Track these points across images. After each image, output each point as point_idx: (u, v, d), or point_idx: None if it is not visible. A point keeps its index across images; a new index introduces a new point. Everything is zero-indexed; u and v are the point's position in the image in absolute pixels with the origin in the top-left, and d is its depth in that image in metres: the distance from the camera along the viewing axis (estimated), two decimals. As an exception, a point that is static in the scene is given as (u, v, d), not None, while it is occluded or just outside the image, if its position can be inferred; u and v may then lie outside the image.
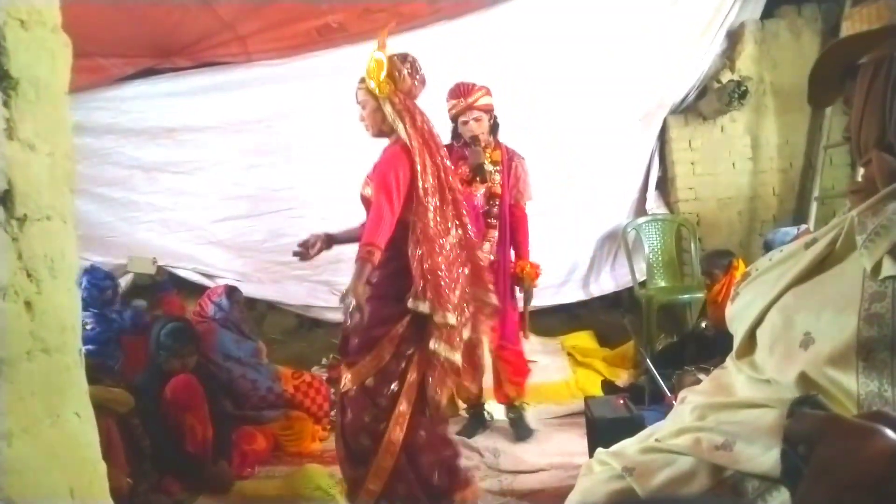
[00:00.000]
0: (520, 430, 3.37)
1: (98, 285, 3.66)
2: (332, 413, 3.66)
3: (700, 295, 4.01)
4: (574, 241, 4.68)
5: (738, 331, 1.06)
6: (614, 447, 1.13)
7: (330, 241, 2.67)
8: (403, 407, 2.36)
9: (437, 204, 2.38)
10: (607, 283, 4.77)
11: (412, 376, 2.37)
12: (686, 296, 4.33)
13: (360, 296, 2.24)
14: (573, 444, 3.09)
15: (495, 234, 3.31)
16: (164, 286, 4.23)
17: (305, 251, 2.61)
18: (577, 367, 4.13)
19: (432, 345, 2.31)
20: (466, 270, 2.48)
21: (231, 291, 3.78)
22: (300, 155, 4.50)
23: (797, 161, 4.67)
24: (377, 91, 2.34)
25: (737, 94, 4.27)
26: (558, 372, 4.08)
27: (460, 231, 2.47)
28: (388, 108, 2.35)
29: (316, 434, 3.50)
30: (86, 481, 1.11)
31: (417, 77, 2.39)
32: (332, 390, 3.81)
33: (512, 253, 3.43)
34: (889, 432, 0.51)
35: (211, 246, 4.67)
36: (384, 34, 2.37)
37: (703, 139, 4.67)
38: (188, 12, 3.59)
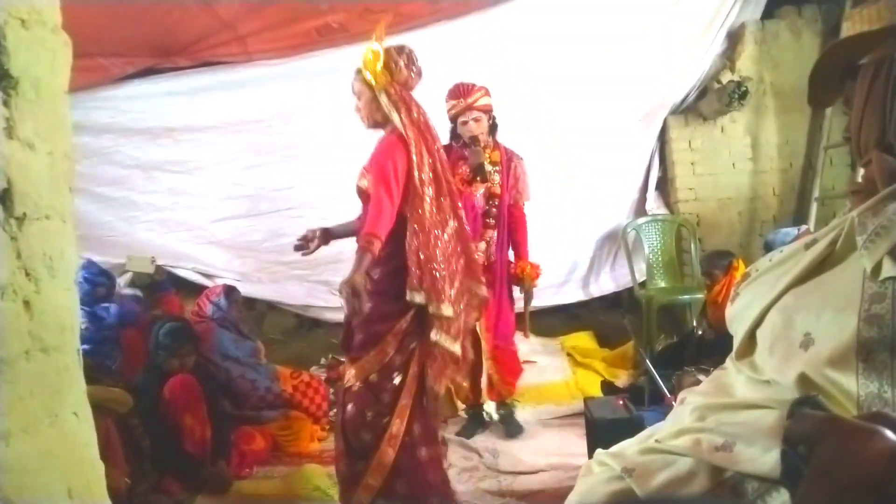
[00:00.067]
0: (510, 426, 3.39)
1: (92, 281, 3.63)
2: (332, 413, 3.67)
3: (700, 295, 4.01)
4: (574, 242, 4.68)
5: (737, 331, 1.06)
6: (614, 448, 1.13)
7: (327, 235, 2.67)
8: (406, 401, 2.37)
9: (434, 195, 2.37)
10: (607, 283, 4.77)
11: (414, 369, 2.38)
12: (686, 296, 4.33)
13: (358, 285, 2.21)
14: (572, 445, 3.09)
15: (493, 234, 3.32)
16: (163, 286, 4.23)
17: (306, 244, 2.63)
18: (576, 368, 4.13)
19: (433, 336, 2.33)
20: (462, 262, 2.49)
21: (229, 291, 3.78)
22: (300, 155, 4.50)
23: (797, 161, 4.67)
24: (373, 82, 2.33)
25: (737, 94, 4.27)
26: (558, 372, 4.08)
27: (455, 223, 2.47)
28: (383, 99, 2.34)
29: (315, 434, 3.50)
30: (84, 481, 1.11)
31: (414, 69, 2.39)
32: (331, 390, 3.82)
33: (511, 254, 3.44)
34: (889, 433, 0.51)
35: (210, 246, 4.67)
36: (382, 25, 2.37)
37: (704, 139, 4.67)
38: (188, 12, 3.59)
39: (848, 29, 4.11)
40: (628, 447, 1.11)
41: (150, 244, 4.52)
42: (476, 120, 3.16)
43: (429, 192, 2.35)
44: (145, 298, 4.12)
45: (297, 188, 4.55)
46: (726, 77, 4.51)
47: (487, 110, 3.21)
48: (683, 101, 4.71)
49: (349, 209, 2.62)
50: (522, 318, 3.55)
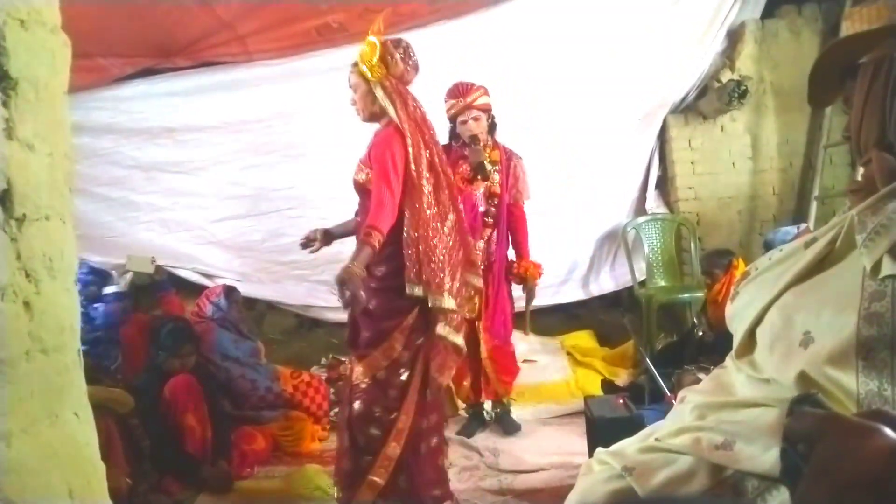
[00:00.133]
0: (506, 424, 3.41)
1: (84, 280, 3.63)
2: (332, 413, 3.67)
3: (700, 294, 4.01)
4: (574, 241, 4.68)
5: (737, 330, 1.06)
6: (614, 447, 1.13)
7: (328, 236, 2.69)
8: (413, 396, 2.38)
9: (432, 189, 2.37)
10: (607, 282, 4.77)
11: (420, 364, 2.39)
12: (686, 295, 4.33)
13: (352, 275, 2.18)
14: (573, 444, 3.09)
15: (492, 232, 3.32)
16: (163, 286, 4.23)
17: (311, 242, 2.67)
18: (576, 367, 4.13)
19: (440, 330, 2.34)
20: (461, 254, 2.50)
21: (229, 291, 3.78)
22: (300, 154, 4.49)
23: (797, 160, 4.67)
24: (369, 74, 2.33)
25: (737, 93, 4.27)
26: (558, 371, 4.08)
27: (454, 215, 2.47)
28: (378, 91, 2.34)
29: (315, 434, 3.49)
30: (85, 481, 1.11)
31: (410, 62, 2.39)
32: (332, 390, 3.82)
33: (512, 253, 3.44)
34: (888, 431, 0.51)
35: (210, 246, 4.67)
36: (380, 19, 2.36)
37: (703, 139, 4.67)
38: (188, 12, 3.59)
39: (847, 28, 4.11)
40: (628, 446, 1.11)
41: (150, 244, 4.51)
42: (475, 119, 3.16)
43: (427, 184, 2.35)
44: (129, 294, 4.07)
45: (297, 188, 4.55)
46: (726, 76, 4.51)
47: (486, 109, 3.21)
48: (683, 100, 4.71)
49: (349, 208, 2.63)
50: (523, 316, 3.56)
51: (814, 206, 4.41)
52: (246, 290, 4.36)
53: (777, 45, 4.57)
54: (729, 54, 4.60)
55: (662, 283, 4.51)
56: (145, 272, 4.17)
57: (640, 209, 4.78)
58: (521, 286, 3.45)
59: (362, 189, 2.42)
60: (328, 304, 4.53)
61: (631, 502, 0.98)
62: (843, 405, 0.85)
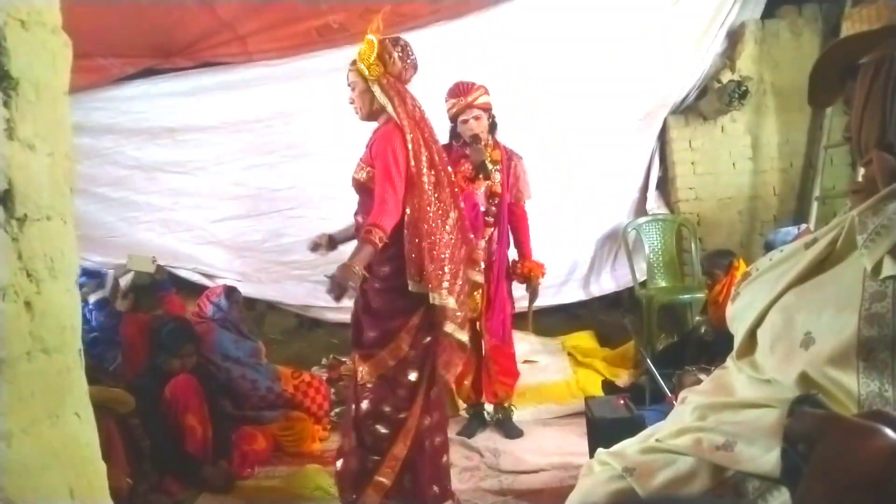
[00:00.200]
0: (508, 430, 3.41)
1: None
2: (333, 413, 3.67)
3: (700, 295, 4.01)
4: (574, 241, 4.68)
5: (738, 331, 1.06)
6: (615, 447, 1.13)
7: (332, 241, 2.70)
8: (422, 395, 2.39)
9: (433, 186, 2.36)
10: (608, 283, 4.77)
11: (428, 363, 2.40)
12: (686, 296, 4.33)
13: (349, 272, 2.17)
14: (573, 445, 3.09)
15: (493, 232, 3.32)
16: (163, 285, 4.23)
17: (318, 247, 2.69)
18: (577, 367, 4.13)
19: (447, 327, 2.35)
20: (464, 251, 2.50)
21: (230, 292, 3.78)
22: (300, 155, 4.50)
23: (798, 161, 4.67)
24: (366, 72, 2.33)
25: (737, 93, 4.27)
26: (559, 372, 4.07)
27: (456, 213, 2.47)
28: (376, 89, 2.34)
29: (316, 434, 3.49)
30: (85, 481, 1.11)
31: (408, 61, 2.38)
32: (332, 390, 3.82)
33: (514, 252, 3.45)
34: (889, 431, 0.51)
35: (211, 246, 4.67)
36: (380, 17, 2.36)
37: (704, 139, 4.67)
38: (188, 12, 3.59)
39: (848, 28, 4.11)
40: (629, 446, 1.11)
41: (151, 244, 4.51)
42: (476, 118, 3.16)
43: (427, 181, 2.34)
44: (111, 299, 4.04)
45: (298, 188, 4.55)
46: (726, 76, 4.51)
47: (487, 108, 3.21)
48: (684, 100, 4.71)
49: (349, 208, 2.63)
50: (524, 316, 3.56)
51: (814, 206, 4.41)
52: (246, 290, 4.36)
53: (777, 46, 4.57)
54: (729, 55, 4.59)
55: (663, 284, 4.51)
56: (146, 272, 4.17)
57: (640, 210, 4.78)
58: (524, 286, 3.45)
59: (362, 188, 2.42)
60: (328, 304, 4.48)
61: (632, 503, 0.98)
62: (844, 406, 0.85)
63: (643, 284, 4.52)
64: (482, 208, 3.28)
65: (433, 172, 2.38)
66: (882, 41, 0.97)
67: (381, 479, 2.33)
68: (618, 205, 4.76)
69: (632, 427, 1.63)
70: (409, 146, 2.30)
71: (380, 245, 2.22)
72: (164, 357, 3.07)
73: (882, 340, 0.82)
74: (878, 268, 0.85)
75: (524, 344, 3.99)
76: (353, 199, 2.54)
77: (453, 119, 3.22)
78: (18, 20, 0.99)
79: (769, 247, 3.22)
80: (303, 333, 4.85)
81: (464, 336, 2.44)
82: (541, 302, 3.73)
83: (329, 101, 3.97)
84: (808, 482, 0.53)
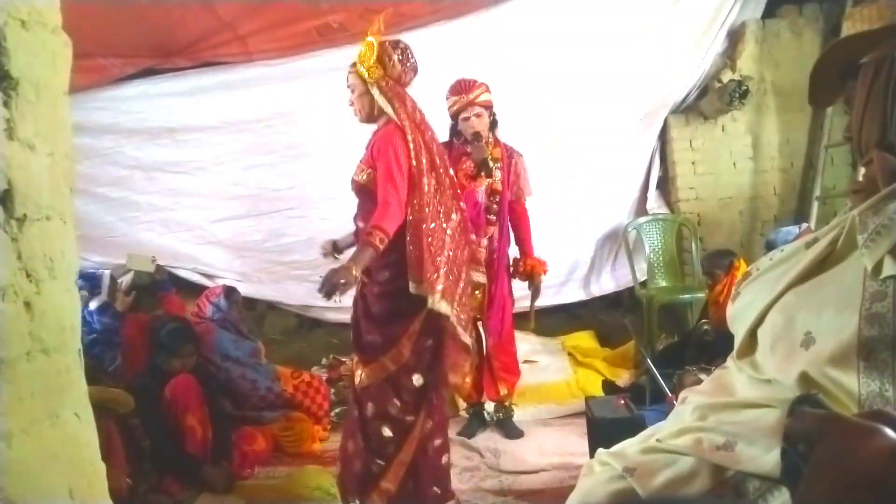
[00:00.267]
0: (508, 430, 3.41)
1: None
2: (333, 413, 3.67)
3: (701, 295, 4.01)
4: (575, 241, 4.68)
5: (738, 330, 1.06)
6: (615, 447, 1.13)
7: (336, 247, 2.70)
8: (428, 401, 2.39)
9: (433, 188, 2.35)
10: (608, 282, 4.77)
11: (436, 367, 2.40)
12: (687, 296, 4.33)
13: (347, 275, 2.16)
14: (574, 445, 3.09)
15: (493, 230, 3.32)
16: (163, 285, 4.22)
17: (329, 253, 2.71)
18: (577, 367, 4.13)
19: (451, 329, 2.35)
20: (466, 253, 2.49)
21: (229, 292, 3.78)
22: (301, 155, 4.49)
23: (798, 160, 4.66)
24: (366, 75, 2.33)
25: (738, 93, 4.26)
26: (559, 372, 4.08)
27: (458, 216, 2.47)
28: (375, 91, 2.33)
29: (316, 434, 3.49)
30: (85, 482, 1.11)
31: (408, 64, 2.38)
32: (332, 390, 3.82)
33: (515, 250, 3.45)
34: (889, 431, 0.51)
35: (211, 246, 4.67)
36: (380, 19, 2.36)
37: (704, 139, 4.67)
38: (188, 12, 3.59)
39: (848, 28, 4.11)
40: (629, 446, 1.11)
41: (151, 244, 4.51)
42: (478, 115, 3.16)
43: (427, 183, 2.33)
44: (110, 303, 4.04)
45: (298, 188, 4.55)
46: (727, 76, 4.50)
47: (488, 106, 3.21)
48: (684, 100, 4.70)
49: (349, 208, 2.63)
50: (526, 316, 3.56)
51: (815, 206, 4.41)
52: (246, 290, 4.36)
53: (778, 45, 4.56)
54: (730, 54, 4.59)
55: (663, 284, 4.51)
56: (146, 271, 4.17)
57: (640, 209, 4.78)
58: (526, 283, 3.45)
59: (362, 190, 2.40)
60: (328, 304, 4.51)
61: (632, 503, 0.98)
62: (845, 406, 0.84)
63: (643, 284, 4.52)
64: (483, 206, 3.28)
65: (434, 175, 2.37)
66: (883, 41, 0.97)
67: (388, 485, 2.32)
68: (618, 204, 4.76)
69: (632, 427, 1.63)
70: (411, 146, 2.29)
71: (381, 248, 2.21)
72: (164, 357, 3.07)
73: (882, 340, 0.82)
74: (878, 267, 0.85)
75: (524, 344, 3.99)
76: (354, 199, 2.54)
77: (454, 116, 3.22)
78: (19, 20, 0.99)
79: (770, 246, 3.22)
80: (303, 333, 4.86)
81: (467, 339, 2.44)
82: (541, 302, 3.73)
83: (329, 100, 3.96)
84: (809, 482, 0.53)
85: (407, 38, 2.52)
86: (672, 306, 4.43)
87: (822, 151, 4.44)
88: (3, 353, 0.94)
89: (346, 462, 2.47)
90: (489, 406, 3.53)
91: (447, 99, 3.21)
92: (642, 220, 4.65)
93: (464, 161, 3.20)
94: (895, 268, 0.83)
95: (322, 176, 4.36)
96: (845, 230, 0.93)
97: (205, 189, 4.58)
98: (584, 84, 4.40)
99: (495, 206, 3.30)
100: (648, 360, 2.89)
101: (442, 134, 2.80)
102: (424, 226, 2.29)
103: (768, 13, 4.59)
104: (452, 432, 3.27)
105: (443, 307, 2.30)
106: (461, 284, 2.41)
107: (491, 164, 3.22)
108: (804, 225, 3.93)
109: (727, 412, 0.99)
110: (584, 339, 4.49)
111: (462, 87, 3.18)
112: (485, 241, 3.25)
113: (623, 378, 3.85)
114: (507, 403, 3.48)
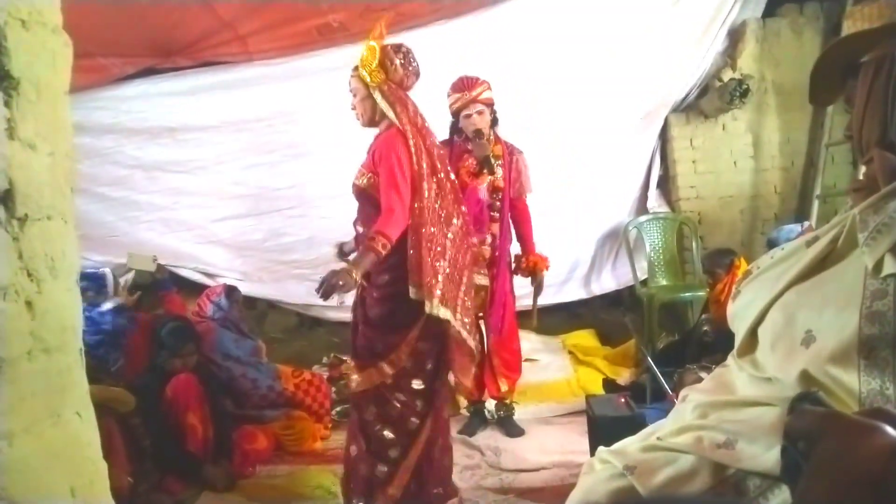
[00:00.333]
0: (509, 428, 3.41)
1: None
2: (334, 412, 3.67)
3: (701, 293, 4.01)
4: (575, 240, 4.68)
5: (739, 329, 1.06)
6: (616, 446, 1.13)
7: (342, 251, 2.72)
8: (431, 407, 2.39)
9: (434, 192, 2.35)
10: (609, 281, 4.77)
11: (442, 371, 2.40)
12: (687, 294, 4.33)
13: (347, 279, 2.16)
14: (574, 443, 3.09)
15: (496, 227, 3.32)
16: (164, 284, 4.23)
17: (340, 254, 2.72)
18: (578, 366, 4.13)
19: (453, 332, 2.35)
20: (469, 256, 2.49)
21: (230, 291, 3.79)
22: (301, 154, 4.49)
23: (799, 159, 4.66)
24: (368, 79, 2.32)
25: (738, 92, 4.26)
26: (559, 370, 4.08)
27: (460, 220, 2.46)
28: (377, 95, 2.33)
29: (317, 433, 3.49)
30: (87, 481, 1.11)
31: (410, 68, 2.38)
32: (333, 389, 3.82)
33: (517, 247, 3.45)
34: (889, 429, 0.51)
35: (212, 245, 4.67)
36: (382, 23, 2.36)
37: (705, 137, 4.67)
38: (188, 12, 3.59)
39: (849, 27, 4.11)
40: (630, 445, 1.11)
41: (152, 244, 4.51)
42: (479, 113, 3.17)
43: (428, 188, 2.33)
44: (127, 306, 4.04)
45: (298, 187, 4.55)
46: (727, 75, 4.50)
47: (490, 104, 3.21)
48: (685, 99, 4.70)
49: (350, 208, 2.63)
50: (528, 314, 3.56)
51: (815, 204, 4.41)
52: (247, 289, 4.36)
53: (778, 44, 4.56)
54: (730, 53, 4.59)
55: (664, 283, 4.51)
56: (147, 270, 4.17)
57: (641, 208, 4.78)
58: (528, 280, 3.45)
59: (362, 194, 2.40)
60: (329, 303, 4.52)
61: (633, 501, 0.98)
62: (846, 404, 0.84)
63: (644, 283, 4.52)
64: (486, 203, 3.28)
65: (434, 179, 2.36)
66: (883, 39, 0.97)
67: (394, 491, 2.33)
68: (619, 203, 4.76)
69: (633, 425, 1.63)
70: (412, 150, 2.29)
71: (383, 253, 2.21)
72: (165, 356, 3.07)
73: (883, 338, 0.82)
74: (879, 266, 0.85)
75: (525, 342, 3.98)
76: (354, 199, 2.54)
77: (456, 114, 3.22)
78: (19, 20, 0.99)
79: (772, 244, 3.22)
80: (303, 332, 4.86)
81: (471, 341, 2.43)
82: (542, 300, 3.74)
83: (329, 100, 3.97)
84: (808, 480, 0.53)
85: (407, 37, 2.53)
86: (673, 305, 4.43)
87: (823, 150, 4.44)
88: (5, 353, 0.94)
89: (351, 465, 2.46)
90: (490, 404, 3.53)
91: (449, 96, 3.21)
92: (643, 218, 4.65)
93: (466, 158, 3.21)
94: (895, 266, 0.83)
95: (322, 175, 4.36)
96: (846, 228, 0.93)
97: (205, 188, 4.58)
98: (585, 84, 4.40)
99: (498, 204, 3.30)
100: (649, 359, 2.90)
101: (441, 133, 2.80)
102: (424, 230, 2.28)
103: (769, 12, 4.59)
104: (453, 430, 3.27)
105: (441, 312, 2.28)
106: (463, 289, 2.41)
107: (493, 161, 3.22)
108: (806, 223, 3.93)
109: (728, 410, 0.99)
110: (584, 338, 4.49)
111: (464, 85, 3.18)
112: (488, 239, 3.25)
113: (624, 376, 3.86)
114: (507, 401, 3.48)
